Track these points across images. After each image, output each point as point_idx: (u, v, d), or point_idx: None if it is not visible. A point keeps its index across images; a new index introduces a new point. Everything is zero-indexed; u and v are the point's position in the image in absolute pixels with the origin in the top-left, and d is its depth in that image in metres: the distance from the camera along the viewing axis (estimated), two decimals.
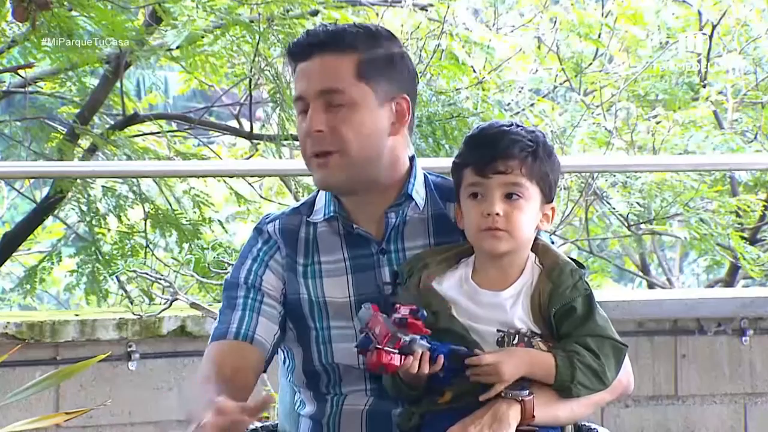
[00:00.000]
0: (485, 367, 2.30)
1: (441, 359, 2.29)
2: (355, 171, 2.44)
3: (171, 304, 4.42)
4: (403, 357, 2.26)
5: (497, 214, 2.34)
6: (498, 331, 2.35)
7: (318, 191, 2.58)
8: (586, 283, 2.39)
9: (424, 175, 2.56)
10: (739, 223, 6.44)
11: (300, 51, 2.47)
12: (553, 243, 2.50)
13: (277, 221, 2.56)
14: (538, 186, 2.37)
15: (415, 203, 2.51)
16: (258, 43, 5.41)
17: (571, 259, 2.43)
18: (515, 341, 2.35)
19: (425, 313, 2.28)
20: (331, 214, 2.52)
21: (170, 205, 5.72)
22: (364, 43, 2.44)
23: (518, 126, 2.40)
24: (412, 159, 2.54)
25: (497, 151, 2.36)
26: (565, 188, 5.93)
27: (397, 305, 2.30)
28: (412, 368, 2.27)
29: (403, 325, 2.26)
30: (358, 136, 2.43)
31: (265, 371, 2.53)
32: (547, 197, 2.40)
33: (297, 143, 5.84)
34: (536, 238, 2.43)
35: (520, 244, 2.37)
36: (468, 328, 2.35)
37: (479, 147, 2.38)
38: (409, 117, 2.49)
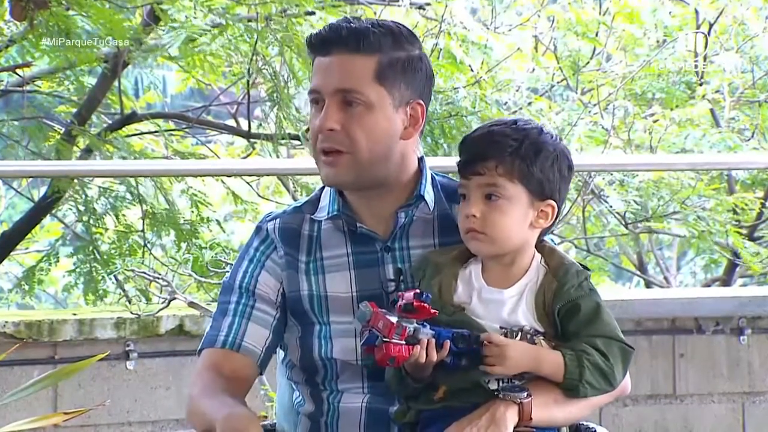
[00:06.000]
0: (493, 348, 2.29)
1: (447, 344, 2.28)
2: (363, 172, 2.44)
3: (169, 304, 4.42)
4: (410, 347, 2.24)
5: (474, 215, 2.34)
6: (501, 328, 2.35)
7: (322, 188, 2.58)
8: (591, 284, 2.38)
9: (431, 175, 2.56)
10: (736, 221, 6.44)
11: (320, 45, 2.45)
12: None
13: (278, 220, 2.56)
14: (522, 185, 2.34)
15: (426, 204, 2.52)
16: (256, 42, 5.40)
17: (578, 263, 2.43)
18: (518, 339, 2.34)
19: (429, 295, 2.26)
20: (335, 212, 2.51)
21: (168, 204, 5.71)
22: (386, 44, 2.42)
23: (513, 124, 2.37)
24: (420, 160, 2.54)
25: (474, 153, 2.36)
26: None
27: (400, 293, 2.29)
28: (420, 357, 2.26)
29: (409, 310, 2.25)
30: (370, 139, 2.42)
31: (261, 374, 2.54)
32: (539, 195, 2.36)
33: (294, 143, 5.87)
34: (543, 240, 2.42)
35: (504, 246, 2.36)
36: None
37: (463, 149, 2.39)
38: (422, 122, 2.49)
